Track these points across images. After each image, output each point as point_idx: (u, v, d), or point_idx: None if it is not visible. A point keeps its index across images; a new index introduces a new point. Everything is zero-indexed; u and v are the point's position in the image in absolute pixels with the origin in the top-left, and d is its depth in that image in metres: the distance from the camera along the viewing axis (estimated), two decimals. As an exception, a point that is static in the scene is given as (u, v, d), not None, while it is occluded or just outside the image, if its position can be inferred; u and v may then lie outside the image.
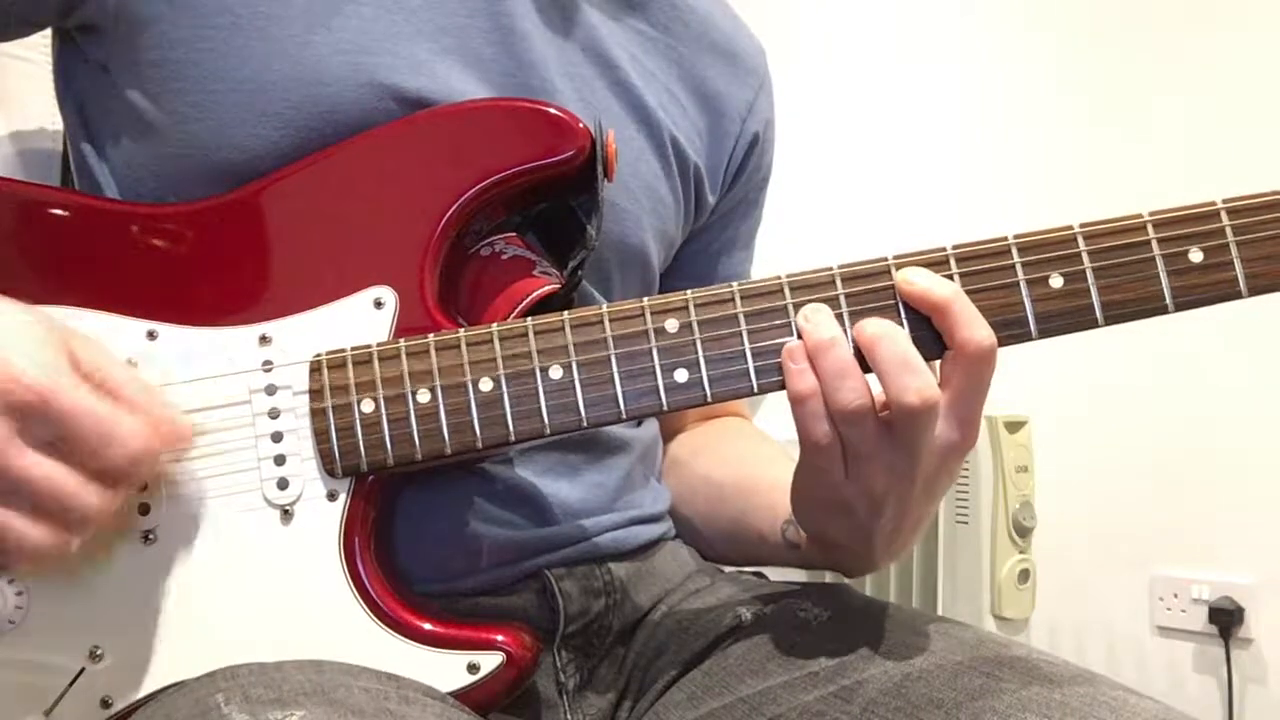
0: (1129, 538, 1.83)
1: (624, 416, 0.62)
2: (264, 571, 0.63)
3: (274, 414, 0.64)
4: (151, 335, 0.65)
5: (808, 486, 0.65)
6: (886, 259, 0.62)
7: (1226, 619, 1.73)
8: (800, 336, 0.60)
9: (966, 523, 1.64)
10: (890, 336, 0.59)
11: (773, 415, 0.82)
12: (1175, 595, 1.79)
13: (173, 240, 0.66)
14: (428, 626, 0.63)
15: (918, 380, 0.58)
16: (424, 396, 0.62)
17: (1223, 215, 0.60)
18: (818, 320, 0.60)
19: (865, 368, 0.60)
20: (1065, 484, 1.80)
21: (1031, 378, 1.55)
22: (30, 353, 0.54)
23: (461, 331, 0.63)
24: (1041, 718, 0.56)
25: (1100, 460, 1.85)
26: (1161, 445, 1.79)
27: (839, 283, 0.61)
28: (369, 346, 0.63)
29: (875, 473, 0.60)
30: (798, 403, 0.60)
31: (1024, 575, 1.65)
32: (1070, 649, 1.87)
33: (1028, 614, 1.67)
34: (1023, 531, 1.64)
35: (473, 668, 0.62)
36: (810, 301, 0.61)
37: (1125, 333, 0.63)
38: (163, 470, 0.63)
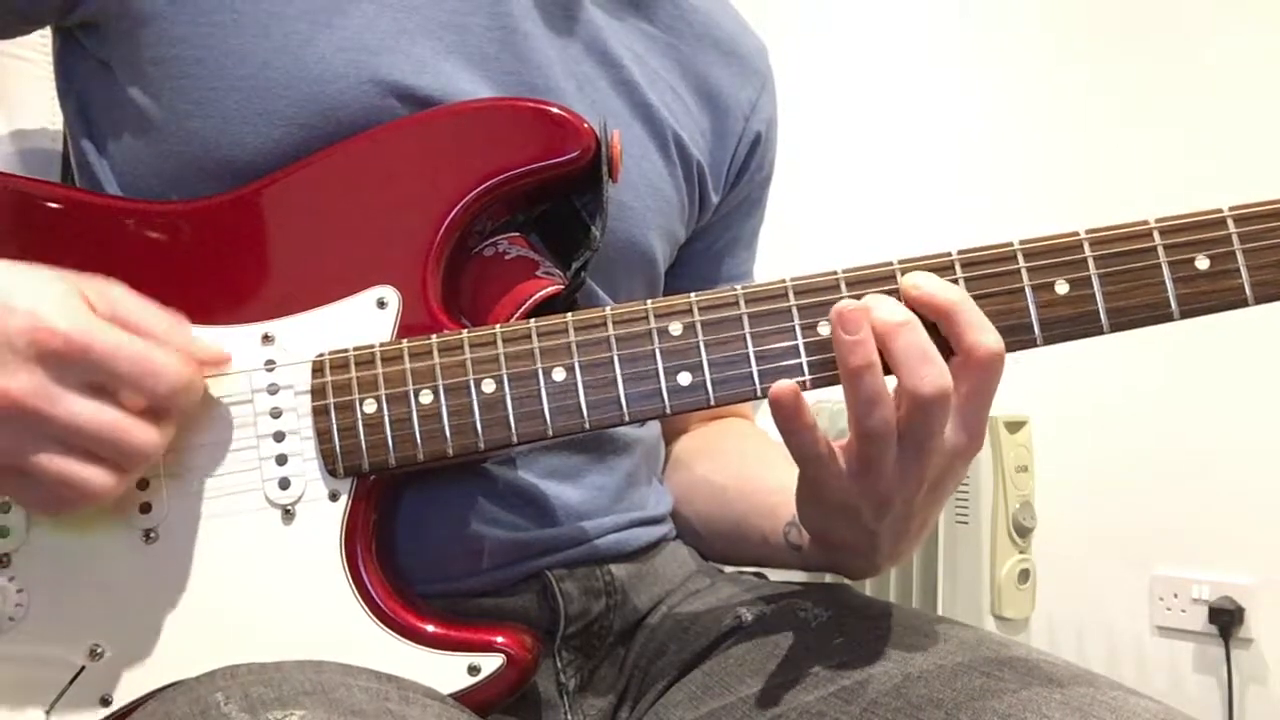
0: (1129, 538, 1.83)
1: (627, 419, 0.62)
2: (265, 571, 0.63)
3: (276, 413, 0.64)
4: (153, 333, 0.65)
5: (812, 488, 0.65)
6: (892, 263, 0.61)
7: (1226, 619, 1.73)
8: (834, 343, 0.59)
9: (966, 523, 1.64)
10: (909, 325, 0.58)
11: (774, 416, 0.82)
12: (1175, 595, 1.79)
13: (175, 238, 0.66)
14: (429, 628, 0.63)
15: (934, 370, 0.57)
16: (426, 397, 0.62)
17: (1229, 223, 0.60)
18: (854, 342, 0.58)
19: None
20: (1065, 484, 1.80)
21: (1031, 378, 1.54)
22: (57, 302, 0.55)
23: (464, 332, 0.63)
24: (1041, 718, 0.56)
25: (1100, 460, 1.85)
26: (1161, 445, 1.80)
27: (844, 286, 0.61)
28: (372, 346, 0.63)
29: (883, 476, 0.60)
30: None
31: (1024, 575, 1.65)
32: (1070, 649, 1.87)
33: (1028, 614, 1.67)
34: (1023, 531, 1.64)
35: (473, 669, 0.62)
36: (815, 305, 0.61)
37: (1126, 334, 0.63)
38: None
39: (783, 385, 0.59)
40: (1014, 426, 1.64)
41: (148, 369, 0.55)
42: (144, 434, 0.56)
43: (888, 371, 0.58)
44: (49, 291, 0.55)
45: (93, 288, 0.57)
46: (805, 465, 0.62)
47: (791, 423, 0.59)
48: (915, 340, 0.58)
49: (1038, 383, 1.63)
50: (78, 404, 0.54)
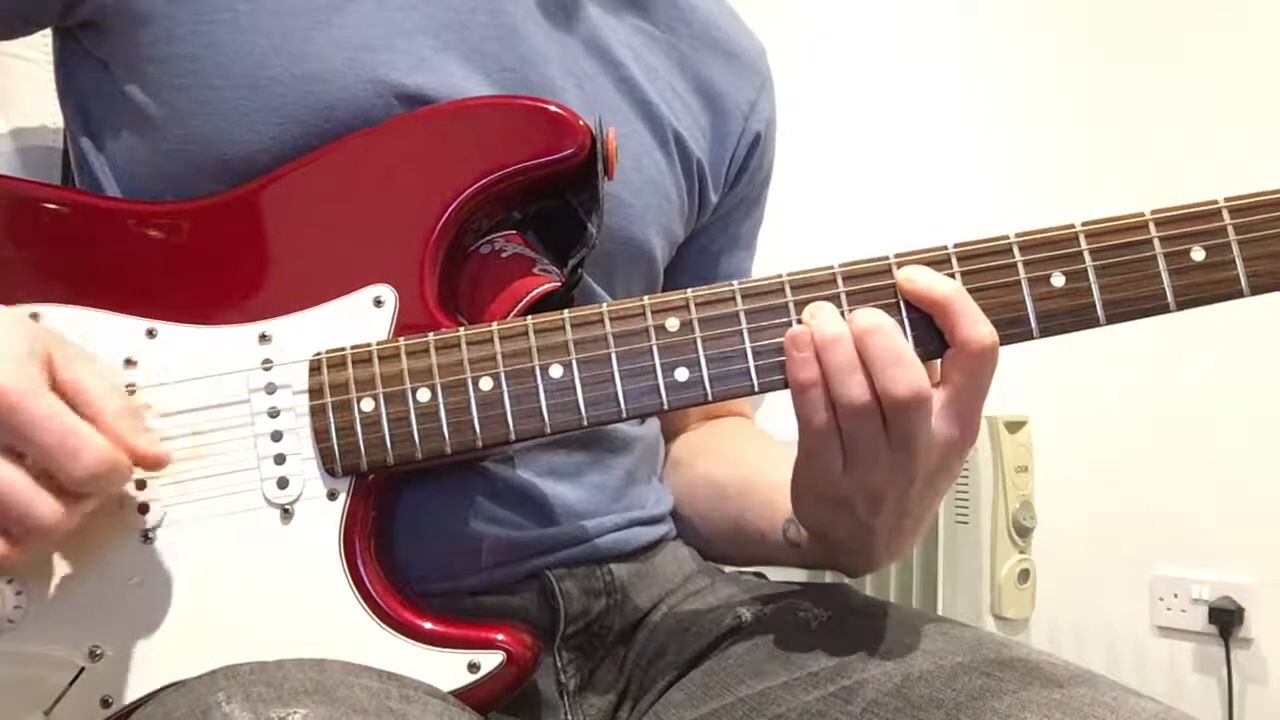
0: (1129, 538, 1.83)
1: (624, 415, 0.62)
2: (264, 571, 0.63)
3: (273, 413, 0.64)
4: (151, 334, 0.65)
5: (807, 481, 0.65)
6: (888, 257, 0.62)
7: (1226, 619, 1.73)
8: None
9: (966, 523, 1.64)
10: (882, 329, 0.59)
11: (774, 415, 0.82)
12: (1175, 595, 1.79)
13: (172, 238, 0.66)
14: (428, 626, 0.63)
15: (906, 373, 0.58)
16: (424, 395, 0.62)
17: (1224, 214, 0.60)
18: (823, 316, 0.60)
19: None
20: (1065, 484, 1.80)
21: (1031, 378, 1.55)
22: (8, 360, 0.53)
23: (461, 330, 0.63)
24: (1041, 718, 0.56)
25: (1100, 460, 1.85)
26: (1161, 445, 1.79)
27: (840, 281, 0.61)
28: (369, 345, 0.63)
29: (874, 470, 0.60)
30: (800, 391, 0.60)
31: (1024, 575, 1.65)
32: (1070, 649, 1.87)
33: (1028, 614, 1.67)
34: (1023, 531, 1.64)
35: (473, 667, 0.62)
36: (812, 300, 0.61)
37: (1125, 332, 0.63)
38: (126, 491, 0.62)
39: (800, 326, 0.60)
40: (1014, 426, 1.64)
41: (69, 446, 0.54)
42: (45, 510, 0.54)
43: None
44: (5, 348, 0.54)
45: (62, 352, 0.56)
46: (809, 435, 0.61)
47: (801, 369, 0.59)
48: (887, 343, 0.58)
49: (1038, 383, 1.64)
50: None
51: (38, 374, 0.54)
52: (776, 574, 0.83)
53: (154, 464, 0.59)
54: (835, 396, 0.59)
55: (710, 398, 0.62)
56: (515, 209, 0.70)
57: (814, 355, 0.59)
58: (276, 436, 0.64)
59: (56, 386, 0.55)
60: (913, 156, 2.08)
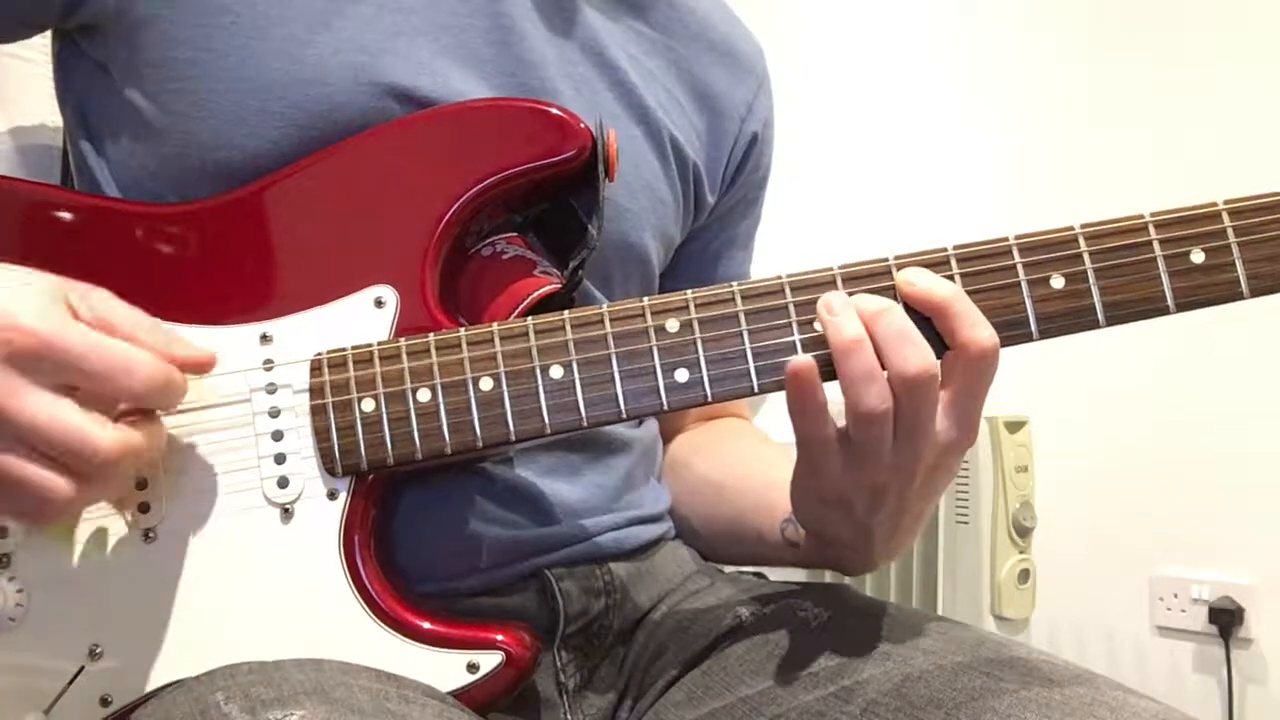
0: (1129, 538, 1.83)
1: (624, 416, 0.62)
2: (264, 570, 0.63)
3: (274, 413, 0.64)
4: (152, 334, 0.65)
5: (807, 480, 0.65)
6: (887, 259, 0.62)
7: (1226, 619, 1.73)
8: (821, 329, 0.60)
9: (966, 523, 1.64)
10: (889, 310, 0.59)
11: (773, 416, 0.81)
12: (1175, 595, 1.79)
13: (174, 239, 0.67)
14: (427, 626, 0.63)
15: (916, 350, 0.58)
16: (424, 395, 0.62)
17: (1224, 216, 0.60)
18: (842, 320, 0.59)
19: None
20: (1065, 484, 1.80)
21: (1031, 378, 1.54)
22: (33, 303, 0.54)
23: (462, 331, 0.63)
24: (1041, 718, 0.56)
25: (1100, 460, 1.85)
26: (1161, 445, 1.79)
27: (840, 283, 0.61)
28: (369, 345, 0.63)
29: (877, 468, 0.60)
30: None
31: (1024, 575, 1.65)
32: (1070, 649, 1.87)
33: (1028, 614, 1.67)
34: (1023, 531, 1.64)
35: (472, 667, 0.62)
36: (809, 301, 0.61)
37: (1125, 333, 0.63)
38: (164, 458, 0.62)
39: (801, 360, 0.59)
40: (1014, 426, 1.64)
41: (119, 365, 0.54)
42: (105, 438, 0.53)
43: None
44: (27, 292, 0.55)
45: (76, 291, 0.57)
46: (810, 447, 0.62)
47: (803, 399, 0.59)
48: (895, 322, 0.58)
49: (1037, 383, 1.64)
50: (41, 403, 0.53)
51: (63, 311, 0.55)
52: (776, 574, 0.83)
53: (200, 366, 0.60)
54: (853, 406, 0.59)
55: (710, 399, 0.62)
56: (516, 211, 0.71)
57: (820, 392, 0.59)
58: (277, 436, 0.64)
59: (84, 321, 0.56)
60: (912, 157, 2.08)
